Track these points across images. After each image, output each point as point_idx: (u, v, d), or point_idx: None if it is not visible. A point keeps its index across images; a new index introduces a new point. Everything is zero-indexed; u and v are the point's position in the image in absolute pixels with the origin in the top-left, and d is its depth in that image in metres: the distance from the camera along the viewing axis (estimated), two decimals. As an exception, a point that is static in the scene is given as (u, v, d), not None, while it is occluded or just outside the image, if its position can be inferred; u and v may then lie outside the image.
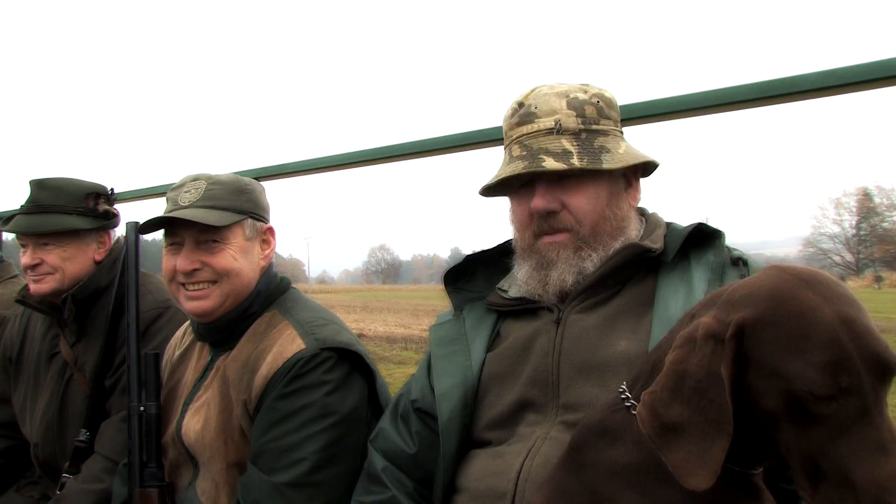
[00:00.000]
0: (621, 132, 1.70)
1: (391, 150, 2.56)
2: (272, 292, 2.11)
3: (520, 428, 1.58)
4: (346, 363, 1.92)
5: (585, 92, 1.66)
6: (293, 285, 2.22)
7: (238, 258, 2.01)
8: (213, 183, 2.02)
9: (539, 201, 1.63)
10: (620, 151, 1.63)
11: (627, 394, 1.26)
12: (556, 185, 1.62)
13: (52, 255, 2.52)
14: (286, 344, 1.91)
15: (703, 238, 1.62)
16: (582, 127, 1.62)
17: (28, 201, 2.56)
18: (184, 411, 2.07)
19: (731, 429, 1.03)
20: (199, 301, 1.99)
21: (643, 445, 1.17)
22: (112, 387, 2.47)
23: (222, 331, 2.05)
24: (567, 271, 1.63)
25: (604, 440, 1.23)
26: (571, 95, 1.64)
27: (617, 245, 1.64)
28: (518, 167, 1.61)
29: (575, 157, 1.58)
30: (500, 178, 1.65)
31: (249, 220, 2.05)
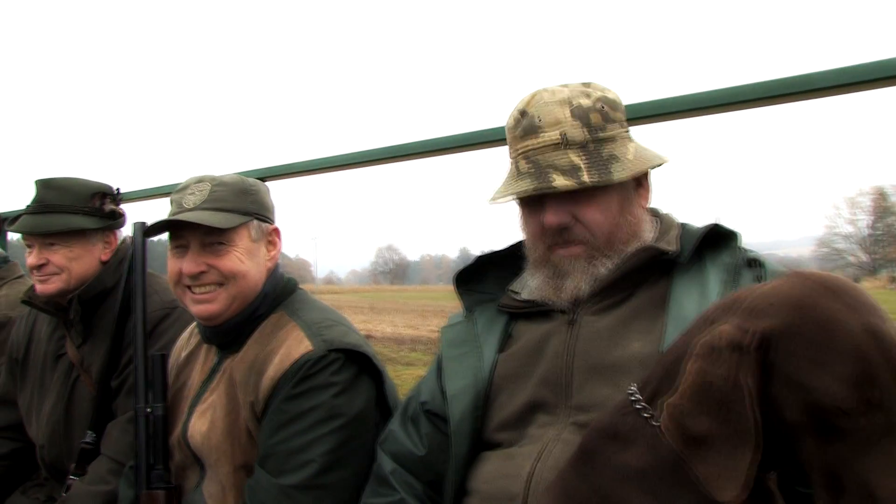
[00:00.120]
0: (628, 131, 1.68)
1: (399, 150, 2.56)
2: (279, 294, 2.11)
3: (531, 429, 1.58)
4: (354, 365, 1.91)
5: (588, 96, 1.63)
6: (300, 286, 2.22)
7: (244, 260, 2.00)
8: (218, 184, 2.02)
9: (551, 218, 1.62)
10: (629, 157, 1.61)
11: (637, 395, 1.25)
12: (567, 200, 1.61)
13: (58, 256, 2.53)
14: (293, 345, 1.91)
15: (717, 239, 1.61)
16: (588, 137, 1.59)
17: (34, 201, 2.56)
18: (190, 413, 2.07)
19: (758, 440, 1.02)
20: (205, 304, 1.99)
21: (656, 449, 1.16)
22: (118, 388, 2.47)
23: (229, 333, 2.05)
24: (582, 279, 1.63)
25: (615, 443, 1.22)
26: (575, 103, 1.61)
27: (632, 249, 1.63)
28: (527, 185, 1.59)
29: (584, 172, 1.56)
30: (509, 196, 1.63)
31: (255, 222, 2.05)
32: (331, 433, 1.82)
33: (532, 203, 1.67)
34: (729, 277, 1.53)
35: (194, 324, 2.28)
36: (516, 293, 1.78)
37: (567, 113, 1.60)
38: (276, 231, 2.14)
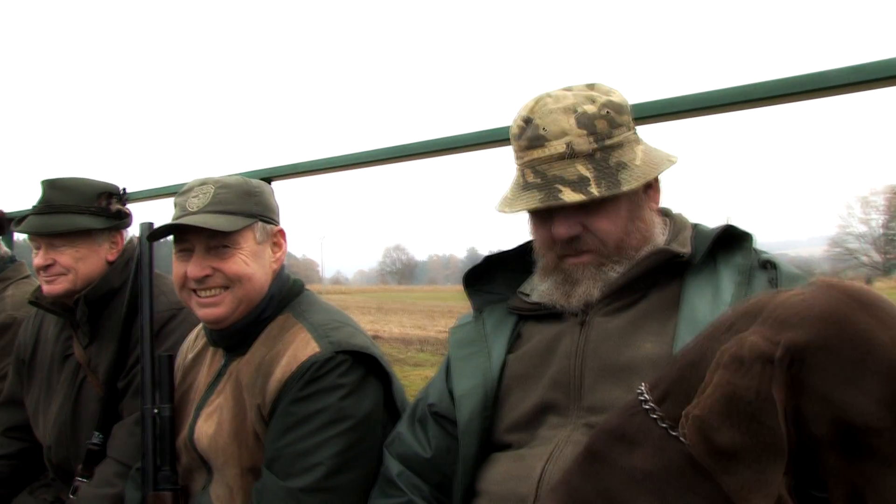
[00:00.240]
0: (635, 132, 1.67)
1: (406, 149, 2.56)
2: (285, 295, 2.11)
3: (541, 431, 1.58)
4: (362, 366, 1.91)
5: (593, 101, 1.61)
6: (307, 286, 2.21)
7: (249, 262, 2.00)
8: (221, 187, 2.01)
9: (561, 230, 1.61)
10: (638, 163, 1.60)
11: (647, 395, 1.24)
12: (576, 210, 1.60)
13: (65, 256, 2.53)
14: (300, 347, 1.91)
15: (730, 240, 1.60)
16: (595, 146, 1.58)
17: (40, 201, 2.57)
18: (196, 416, 2.07)
19: (785, 452, 1.01)
20: (211, 308, 1.99)
21: (664, 451, 1.15)
22: (124, 389, 2.48)
23: (235, 336, 2.05)
24: (593, 286, 1.63)
25: (621, 445, 1.22)
26: (580, 110, 1.59)
27: (644, 252, 1.63)
28: (534, 199, 1.58)
29: (592, 183, 1.55)
30: (517, 209, 1.63)
31: (259, 224, 2.04)
32: (338, 436, 1.82)
33: (541, 213, 1.66)
34: (742, 279, 1.53)
35: (200, 325, 2.28)
36: (526, 295, 1.78)
37: (572, 122, 1.58)
38: (282, 232, 2.14)
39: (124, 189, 2.73)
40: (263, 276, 2.05)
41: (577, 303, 1.64)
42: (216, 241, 1.97)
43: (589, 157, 1.57)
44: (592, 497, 1.22)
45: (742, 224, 1.60)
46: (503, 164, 1.80)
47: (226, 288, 1.99)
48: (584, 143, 1.57)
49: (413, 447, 1.79)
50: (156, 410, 2.13)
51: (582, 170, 1.56)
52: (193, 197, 2.01)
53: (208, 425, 2.01)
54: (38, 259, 2.55)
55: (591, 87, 1.67)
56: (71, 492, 2.42)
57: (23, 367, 2.83)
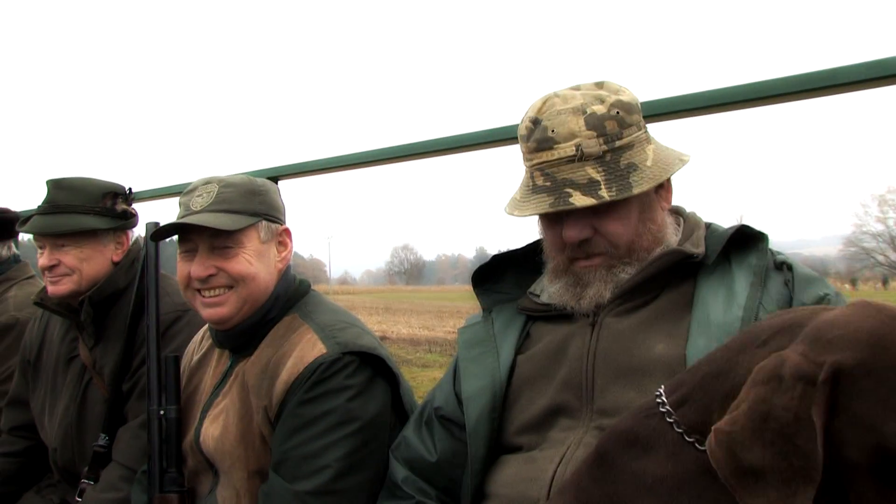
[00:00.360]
0: (645, 131, 1.65)
1: (414, 148, 2.56)
2: (291, 296, 2.11)
3: (552, 433, 1.58)
4: (369, 367, 1.91)
5: (602, 101, 1.59)
6: (314, 286, 2.21)
7: (254, 262, 2.00)
8: (225, 186, 2.02)
9: (571, 233, 1.61)
10: (648, 164, 1.59)
11: (664, 398, 1.23)
12: (587, 213, 1.59)
13: (70, 256, 2.53)
14: (307, 348, 1.91)
15: (745, 240, 1.59)
16: (605, 148, 1.56)
17: (45, 201, 2.57)
18: (202, 418, 2.07)
19: (818, 477, 0.98)
20: (215, 308, 1.99)
21: (678, 457, 1.14)
22: (129, 391, 2.49)
23: (241, 337, 2.05)
24: (604, 288, 1.62)
25: (634, 449, 1.21)
26: (589, 111, 1.57)
27: (656, 253, 1.62)
28: (544, 203, 1.57)
29: (602, 186, 1.54)
30: (526, 214, 1.62)
31: (264, 223, 2.04)
32: (346, 438, 1.82)
33: (550, 215, 1.65)
34: (757, 280, 1.52)
35: (206, 327, 2.28)
36: (536, 296, 1.77)
37: (581, 123, 1.57)
38: (287, 232, 2.14)
39: (130, 189, 2.74)
40: (268, 275, 2.05)
41: (588, 305, 1.63)
42: (220, 241, 1.97)
43: (599, 159, 1.56)
44: (601, 500, 1.21)
45: (754, 223, 1.59)
46: (512, 162, 1.80)
47: (230, 288, 1.99)
48: (593, 144, 1.56)
49: (419, 451, 1.79)
50: (162, 412, 2.13)
51: (592, 172, 1.55)
52: (197, 196, 2.01)
53: (214, 427, 2.01)
54: (42, 259, 2.56)
55: (599, 85, 1.66)
56: (77, 494, 2.43)
57: (28, 369, 2.84)
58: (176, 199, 2.12)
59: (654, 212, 1.64)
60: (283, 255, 2.12)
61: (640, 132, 1.62)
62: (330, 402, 1.83)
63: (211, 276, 1.97)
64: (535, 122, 1.62)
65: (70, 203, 2.55)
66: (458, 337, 1.87)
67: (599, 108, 1.58)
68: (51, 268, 2.54)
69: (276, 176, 2.81)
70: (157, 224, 2.32)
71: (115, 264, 2.64)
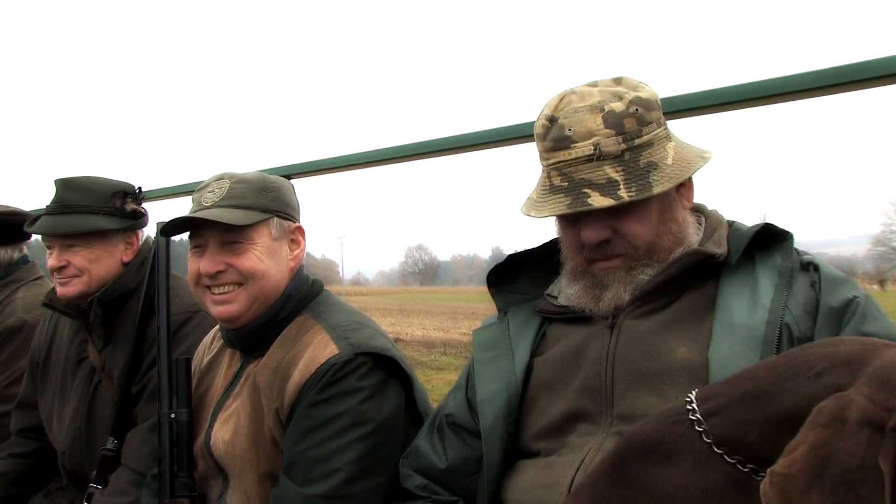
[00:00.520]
0: (665, 129, 1.63)
1: (429, 146, 2.56)
2: (304, 295, 2.11)
3: (571, 438, 1.57)
4: (382, 369, 1.91)
5: (620, 98, 1.57)
6: (326, 287, 2.21)
7: (264, 259, 2.00)
8: (238, 182, 2.02)
9: (590, 234, 1.59)
10: (669, 162, 1.57)
11: (695, 406, 1.21)
12: (605, 214, 1.57)
13: (79, 257, 2.55)
14: (319, 349, 1.91)
15: (769, 239, 1.57)
16: (624, 147, 1.54)
17: (53, 201, 2.59)
18: (212, 421, 2.08)
19: None
20: (225, 306, 1.99)
21: (704, 468, 1.13)
22: (139, 393, 2.50)
23: (251, 336, 2.06)
24: (622, 290, 1.61)
25: (656, 455, 1.20)
26: (607, 108, 1.55)
27: (676, 254, 1.61)
28: (562, 204, 1.56)
29: (622, 186, 1.52)
30: (544, 215, 1.60)
31: (276, 219, 2.04)
32: (358, 440, 1.82)
33: (568, 216, 1.64)
34: (782, 281, 1.50)
35: (217, 327, 2.29)
36: (553, 297, 1.76)
37: (599, 122, 1.55)
38: (300, 229, 2.14)
39: (140, 188, 2.75)
40: (279, 273, 2.05)
41: (607, 307, 1.62)
42: (230, 237, 1.97)
43: (617, 158, 1.54)
44: None
45: (778, 222, 1.58)
46: (529, 160, 1.79)
47: (239, 284, 1.99)
48: (611, 143, 1.54)
49: (430, 459, 1.79)
50: (173, 415, 2.13)
51: (610, 172, 1.53)
52: (209, 192, 2.02)
53: (225, 430, 2.01)
54: (51, 260, 2.57)
55: (617, 81, 1.64)
56: (85, 498, 2.44)
57: (37, 371, 2.85)
58: (187, 199, 2.13)
59: (674, 211, 1.62)
60: (296, 253, 2.12)
61: (659, 129, 1.60)
62: (342, 403, 1.83)
63: (220, 272, 1.98)
64: (552, 120, 1.60)
65: (79, 203, 2.56)
66: (473, 339, 1.87)
67: (618, 106, 1.56)
68: (60, 269, 2.55)
69: (288, 174, 2.81)
70: (171, 219, 2.34)
71: (125, 265, 2.65)
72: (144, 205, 2.77)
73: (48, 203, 2.61)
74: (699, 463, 1.14)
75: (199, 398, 2.21)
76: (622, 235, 1.59)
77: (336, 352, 1.89)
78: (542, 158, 1.65)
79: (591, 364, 1.60)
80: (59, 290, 2.58)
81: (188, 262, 2.05)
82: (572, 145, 1.56)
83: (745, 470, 1.11)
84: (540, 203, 1.61)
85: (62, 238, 2.55)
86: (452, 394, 1.87)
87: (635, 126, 1.56)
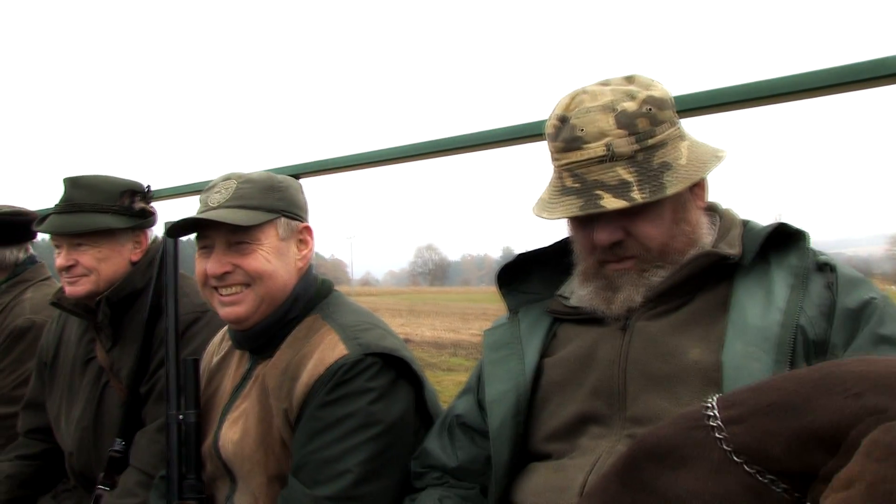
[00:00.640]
0: (678, 128, 1.62)
1: (439, 145, 2.56)
2: (313, 296, 2.11)
3: (582, 440, 1.57)
4: (392, 370, 1.91)
5: (633, 97, 1.56)
6: (335, 287, 2.22)
7: (271, 259, 2.01)
8: (244, 182, 2.03)
9: (602, 236, 1.59)
10: (682, 162, 1.56)
11: (716, 413, 1.20)
12: (618, 215, 1.56)
13: (87, 256, 2.56)
14: (328, 350, 1.91)
15: (783, 239, 1.57)
16: (637, 147, 1.53)
17: (62, 200, 2.60)
18: (221, 422, 2.08)
19: None
20: (232, 307, 2.00)
21: (722, 476, 1.12)
22: (147, 394, 2.50)
23: (260, 337, 2.06)
24: (635, 292, 1.60)
25: (670, 459, 1.19)
26: (619, 108, 1.54)
27: (690, 255, 1.60)
28: (574, 205, 1.55)
29: (635, 188, 1.51)
30: (555, 217, 1.59)
31: (283, 219, 2.05)
32: (367, 442, 1.82)
33: (581, 217, 1.63)
34: (797, 282, 1.49)
35: (226, 328, 2.29)
36: (565, 298, 1.76)
37: (611, 122, 1.54)
38: (308, 229, 2.14)
39: (148, 187, 2.76)
40: (287, 274, 2.05)
41: (619, 309, 1.62)
42: (236, 237, 1.98)
43: (630, 159, 1.53)
44: None
45: (793, 221, 1.57)
46: (539, 160, 1.78)
47: (247, 286, 2.00)
48: (624, 144, 1.53)
49: (440, 458, 1.80)
50: (181, 416, 2.14)
51: (623, 173, 1.53)
52: (216, 192, 2.03)
53: (233, 431, 2.02)
54: (59, 259, 2.58)
55: (630, 80, 1.63)
56: (93, 500, 2.45)
57: (45, 371, 2.87)
58: (196, 198, 2.14)
59: (688, 212, 1.62)
60: (304, 253, 2.12)
61: (673, 129, 1.59)
62: (351, 404, 1.84)
63: (227, 273, 1.98)
64: (563, 120, 1.60)
65: (87, 202, 2.58)
66: (484, 339, 1.87)
67: (630, 105, 1.55)
68: (68, 268, 2.56)
69: (297, 174, 2.82)
70: (177, 221, 2.35)
71: (133, 264, 2.66)
72: (153, 204, 2.77)
73: (56, 202, 2.62)
74: (716, 470, 1.13)
75: (207, 399, 2.21)
76: (635, 237, 1.58)
77: (345, 352, 1.89)
78: (553, 159, 1.65)
79: (603, 366, 1.59)
80: (68, 290, 2.59)
81: (196, 262, 2.06)
82: (584, 146, 1.55)
83: (765, 480, 1.10)
84: (552, 204, 1.61)
85: (70, 237, 2.57)
86: (462, 395, 1.88)
87: (648, 126, 1.55)
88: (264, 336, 2.06)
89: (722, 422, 1.17)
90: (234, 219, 1.93)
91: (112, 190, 2.63)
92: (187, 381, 2.18)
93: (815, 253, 1.55)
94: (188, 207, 3.63)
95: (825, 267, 1.52)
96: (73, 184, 2.61)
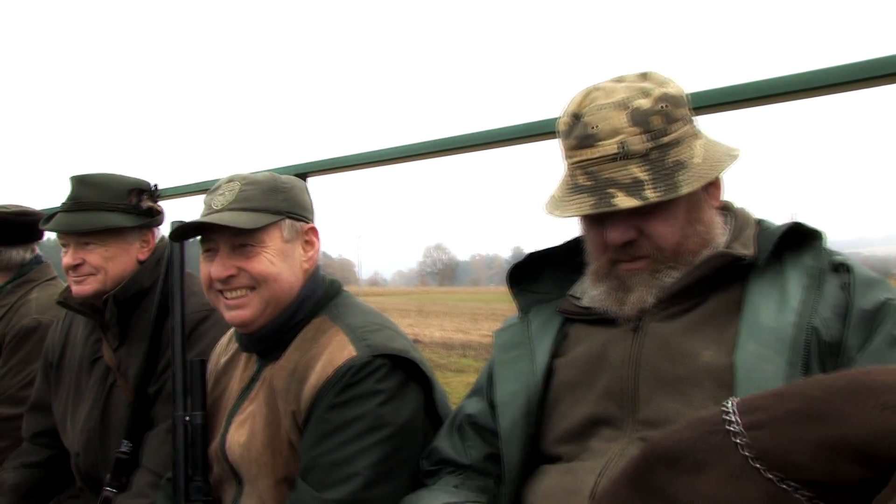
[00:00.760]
0: (693, 125, 1.61)
1: (448, 143, 2.55)
2: (320, 297, 2.11)
3: (594, 443, 1.57)
4: (401, 371, 1.91)
5: (647, 95, 1.55)
6: (343, 287, 2.21)
7: (276, 262, 2.00)
8: (248, 183, 2.02)
9: (614, 235, 1.58)
10: (697, 160, 1.55)
11: (737, 417, 1.19)
12: (631, 214, 1.56)
13: (94, 255, 2.56)
14: (336, 351, 1.91)
15: (798, 239, 1.56)
16: (650, 145, 1.53)
17: (69, 199, 2.60)
18: (228, 424, 2.08)
19: None
20: (238, 311, 2.00)
21: (740, 482, 1.11)
22: (155, 394, 2.51)
23: (266, 340, 2.06)
24: (647, 293, 1.60)
25: (684, 463, 1.18)
26: (633, 105, 1.53)
27: (703, 256, 1.59)
28: (586, 203, 1.54)
29: (648, 186, 1.50)
30: (567, 215, 1.59)
31: (287, 221, 2.04)
32: (377, 444, 1.82)
33: (593, 216, 1.62)
34: (812, 283, 1.48)
35: (233, 329, 2.29)
36: (577, 298, 1.76)
37: (624, 119, 1.53)
38: (314, 230, 2.13)
39: (156, 185, 2.77)
40: (292, 276, 2.05)
41: (631, 310, 1.61)
42: (240, 240, 1.97)
43: (644, 157, 1.53)
44: None
45: (809, 220, 1.55)
46: (550, 158, 1.78)
47: (252, 289, 1.99)
48: (637, 142, 1.53)
49: (451, 455, 1.80)
50: (188, 418, 2.14)
51: (636, 171, 1.52)
52: (219, 195, 2.02)
53: (241, 433, 2.02)
54: (66, 258, 2.58)
55: (644, 76, 1.63)
56: (100, 502, 2.45)
57: (51, 371, 2.87)
58: (202, 197, 2.14)
59: (701, 211, 1.61)
60: (310, 254, 2.11)
61: (687, 127, 1.59)
62: (360, 406, 1.84)
63: (231, 276, 1.98)
64: (576, 117, 1.59)
65: (94, 200, 2.58)
66: (494, 340, 1.86)
67: (644, 103, 1.54)
68: (75, 267, 2.57)
69: (304, 172, 2.82)
70: (181, 224, 2.35)
71: (141, 263, 2.67)
72: (160, 203, 2.78)
73: (63, 200, 2.63)
74: (734, 476, 1.12)
75: (214, 400, 2.21)
76: (648, 236, 1.58)
77: (354, 353, 1.89)
78: (565, 156, 1.64)
79: (614, 367, 1.59)
80: (75, 289, 2.60)
81: (201, 266, 2.06)
82: (597, 143, 1.54)
83: (785, 487, 1.09)
84: (564, 202, 1.60)
85: (78, 235, 2.57)
86: (472, 395, 1.88)
87: (662, 124, 1.54)
88: (271, 339, 2.06)
89: (743, 426, 1.16)
90: (237, 222, 1.93)
91: (119, 188, 2.64)
92: (194, 383, 2.18)
93: (830, 253, 1.54)
94: (195, 207, 3.64)
95: (841, 267, 1.51)
96: (80, 182, 2.62)
